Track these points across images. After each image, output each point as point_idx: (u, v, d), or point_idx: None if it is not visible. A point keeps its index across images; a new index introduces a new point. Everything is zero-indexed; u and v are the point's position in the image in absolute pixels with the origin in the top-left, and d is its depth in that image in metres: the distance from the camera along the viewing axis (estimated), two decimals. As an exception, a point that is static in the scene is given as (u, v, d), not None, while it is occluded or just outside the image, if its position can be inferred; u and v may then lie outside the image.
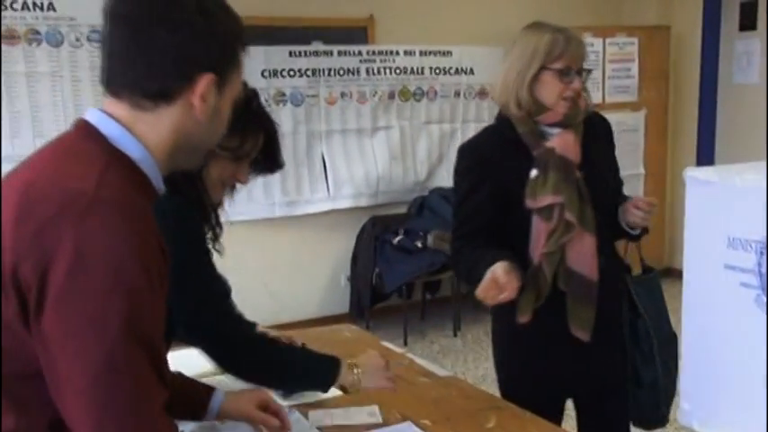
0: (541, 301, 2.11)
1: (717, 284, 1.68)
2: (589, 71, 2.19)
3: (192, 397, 1.73)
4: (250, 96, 1.84)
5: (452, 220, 2.27)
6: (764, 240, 1.57)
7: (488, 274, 1.94)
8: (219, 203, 1.89)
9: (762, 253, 1.57)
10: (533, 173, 2.12)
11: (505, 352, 2.35)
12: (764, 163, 1.84)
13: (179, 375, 1.68)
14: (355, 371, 1.85)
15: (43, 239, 1.12)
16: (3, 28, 4.51)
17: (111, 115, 1.25)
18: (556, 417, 2.31)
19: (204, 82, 1.24)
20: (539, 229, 2.12)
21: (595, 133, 2.25)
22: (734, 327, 1.67)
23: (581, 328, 2.14)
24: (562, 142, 2.15)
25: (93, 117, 1.26)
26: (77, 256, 1.11)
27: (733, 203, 1.67)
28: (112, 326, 1.12)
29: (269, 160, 1.90)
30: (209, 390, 1.75)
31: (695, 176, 1.73)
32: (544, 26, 2.17)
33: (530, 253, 2.12)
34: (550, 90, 2.12)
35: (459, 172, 2.25)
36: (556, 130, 2.16)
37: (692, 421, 1.88)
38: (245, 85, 1.84)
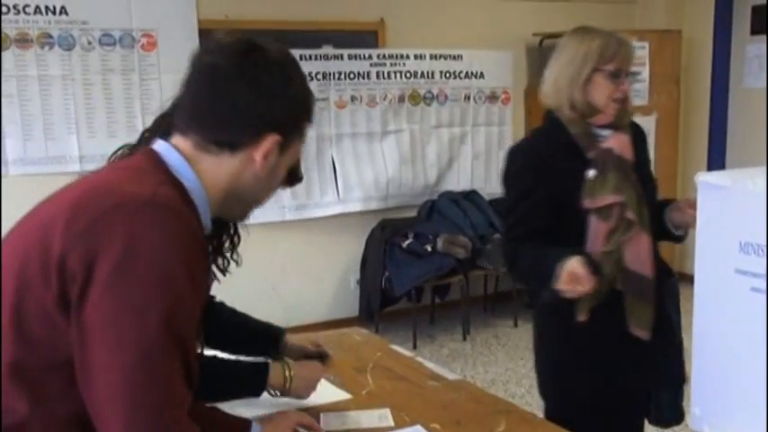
0: (600, 300, 2.13)
1: (728, 289, 1.67)
2: (636, 74, 2.25)
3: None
4: None
5: (503, 220, 2.33)
6: (776, 245, 1.56)
7: (566, 269, 1.97)
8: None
9: (773, 258, 1.57)
10: (591, 173, 2.16)
11: (557, 352, 2.36)
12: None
13: (212, 409, 1.64)
14: (287, 373, 1.88)
15: (95, 232, 1.16)
16: (15, 32, 4.54)
17: (175, 147, 1.32)
18: (612, 416, 2.34)
19: (270, 141, 1.32)
20: (597, 229, 2.16)
21: (636, 136, 2.30)
22: (745, 331, 1.66)
23: (640, 327, 2.18)
24: (619, 143, 2.20)
25: (159, 146, 1.33)
26: (127, 250, 1.15)
27: (745, 208, 1.66)
28: (152, 320, 1.16)
29: (290, 174, 1.93)
30: (244, 424, 1.68)
31: (707, 181, 1.72)
32: (593, 30, 2.22)
33: (586, 253, 2.13)
34: (601, 92, 2.17)
35: (511, 174, 2.27)
36: (606, 132, 2.21)
37: (702, 426, 1.86)
38: None
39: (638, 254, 2.17)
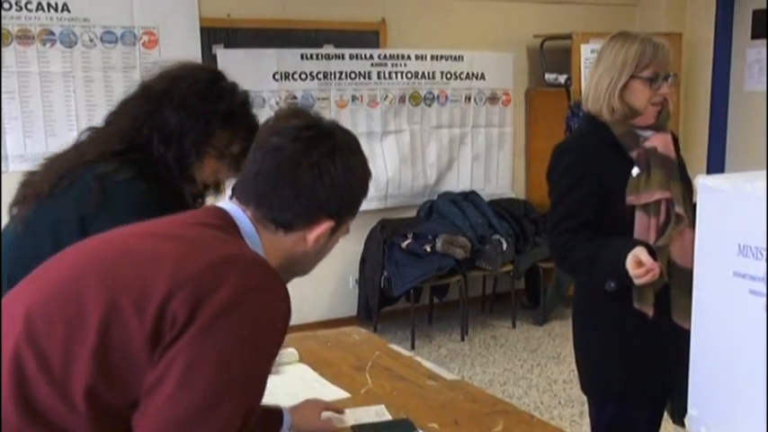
0: (656, 291, 2.23)
1: (726, 292, 1.68)
2: (674, 75, 2.34)
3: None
4: (244, 99, 1.87)
5: (550, 215, 2.36)
6: (775, 248, 1.57)
7: (635, 255, 2.09)
8: (198, 198, 1.93)
9: (772, 261, 1.57)
10: (635, 171, 2.26)
11: (602, 347, 2.41)
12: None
13: None
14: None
15: (205, 279, 1.20)
16: (16, 28, 4.54)
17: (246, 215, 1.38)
18: (658, 411, 2.44)
19: (324, 227, 1.38)
20: (645, 225, 2.25)
21: (672, 137, 2.42)
22: (743, 334, 1.66)
23: (686, 318, 2.20)
24: (663, 142, 2.32)
25: (233, 210, 1.38)
26: (235, 301, 1.20)
27: (744, 211, 1.67)
28: (235, 372, 1.20)
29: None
30: (276, 412, 1.78)
31: (707, 184, 1.72)
32: (631, 36, 2.32)
33: (645, 243, 2.22)
34: (640, 97, 2.28)
35: (557, 169, 2.36)
36: (648, 133, 2.31)
37: (700, 428, 1.87)
38: (236, 86, 1.89)
39: (684, 248, 2.24)
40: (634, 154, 2.28)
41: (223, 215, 1.38)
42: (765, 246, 1.58)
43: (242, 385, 1.22)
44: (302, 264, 1.45)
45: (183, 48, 4.94)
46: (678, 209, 2.24)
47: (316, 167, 1.35)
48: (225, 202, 1.41)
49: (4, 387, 1.17)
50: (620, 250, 2.12)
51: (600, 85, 2.30)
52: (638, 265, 2.08)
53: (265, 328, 1.24)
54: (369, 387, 2.15)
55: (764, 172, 1.84)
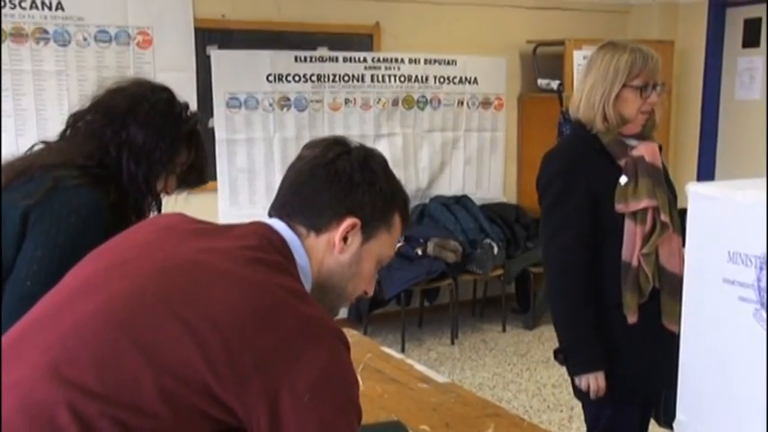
0: (644, 299, 2.30)
1: (716, 298, 1.70)
2: (662, 85, 2.37)
3: None
4: (183, 112, 1.91)
5: (544, 226, 2.39)
6: (764, 255, 1.59)
7: (592, 381, 2.31)
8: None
9: (761, 268, 1.59)
10: (623, 179, 2.29)
11: (609, 354, 2.42)
12: (765, 179, 1.86)
13: None
14: None
15: (284, 354, 1.21)
16: (10, 26, 4.54)
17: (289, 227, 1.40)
18: (647, 414, 2.49)
19: (347, 223, 1.38)
20: (633, 232, 2.29)
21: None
22: (732, 340, 1.68)
23: (676, 322, 2.24)
24: (650, 151, 2.34)
25: (279, 226, 1.39)
26: (322, 372, 1.22)
27: (734, 218, 1.69)
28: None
29: (195, 175, 1.97)
30: None
31: (697, 191, 1.75)
32: (621, 45, 2.36)
33: (623, 255, 2.29)
34: (630, 106, 2.31)
35: (548, 177, 2.38)
36: (634, 141, 2.34)
37: (688, 433, 1.89)
38: (188, 104, 1.92)
39: (671, 254, 2.30)
40: (622, 162, 2.31)
41: (277, 241, 1.37)
42: (754, 253, 1.59)
43: None
44: (339, 278, 1.44)
45: (176, 48, 4.95)
46: (664, 217, 2.28)
47: (333, 167, 1.39)
48: (273, 220, 1.42)
49: None
50: (589, 361, 2.32)
51: (593, 94, 2.32)
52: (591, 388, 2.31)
53: (352, 390, 1.29)
54: (360, 389, 2.15)
55: (755, 180, 1.86)
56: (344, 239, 1.39)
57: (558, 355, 2.45)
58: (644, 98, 2.31)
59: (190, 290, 1.23)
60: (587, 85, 2.35)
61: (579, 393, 2.52)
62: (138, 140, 1.82)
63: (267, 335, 1.20)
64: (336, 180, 1.39)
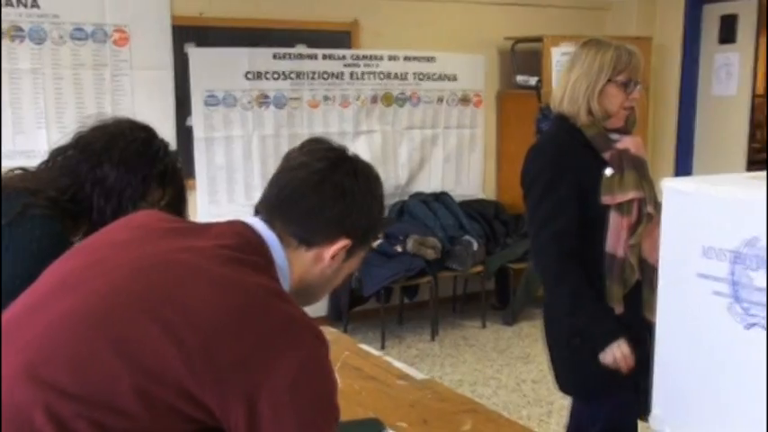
0: (627, 290, 2.34)
1: (690, 293, 1.71)
2: (642, 83, 2.43)
3: None
4: (176, 158, 1.92)
5: (531, 219, 2.40)
6: (738, 250, 1.60)
7: (617, 350, 2.30)
8: None
9: (735, 262, 1.60)
10: (608, 171, 2.33)
11: (577, 346, 2.43)
12: (737, 175, 1.88)
13: None
14: None
15: (263, 353, 1.20)
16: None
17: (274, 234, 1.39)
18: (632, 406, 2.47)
19: (341, 244, 1.41)
20: (619, 224, 2.32)
21: None
22: (706, 334, 1.69)
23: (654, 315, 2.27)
24: (635, 144, 2.40)
25: (261, 228, 1.39)
26: (301, 372, 1.21)
27: (708, 213, 1.70)
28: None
29: (173, 213, 1.97)
30: None
31: (672, 187, 1.76)
32: (605, 42, 2.41)
33: (606, 246, 2.32)
34: (614, 101, 2.37)
35: (535, 168, 2.41)
36: (616, 136, 2.39)
37: (663, 427, 1.90)
38: (168, 145, 1.93)
39: (655, 246, 2.30)
40: (607, 155, 2.35)
41: (255, 241, 1.37)
42: (728, 248, 1.61)
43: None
44: (317, 286, 1.47)
45: (154, 46, 4.92)
46: (650, 208, 2.32)
47: (339, 185, 1.40)
48: (253, 219, 1.41)
49: None
50: (613, 329, 2.30)
51: (577, 89, 2.37)
52: (617, 359, 2.30)
53: (333, 390, 1.29)
54: (339, 387, 2.15)
55: (730, 175, 1.88)
56: (333, 257, 1.42)
57: (572, 339, 2.41)
58: (627, 94, 2.36)
59: (167, 289, 1.22)
60: (571, 80, 2.39)
61: (564, 387, 2.52)
62: (110, 178, 1.85)
63: (246, 334, 1.19)
64: (341, 200, 1.40)
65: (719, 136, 6.39)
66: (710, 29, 6.40)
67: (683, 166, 6.52)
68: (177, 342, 1.17)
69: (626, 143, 2.38)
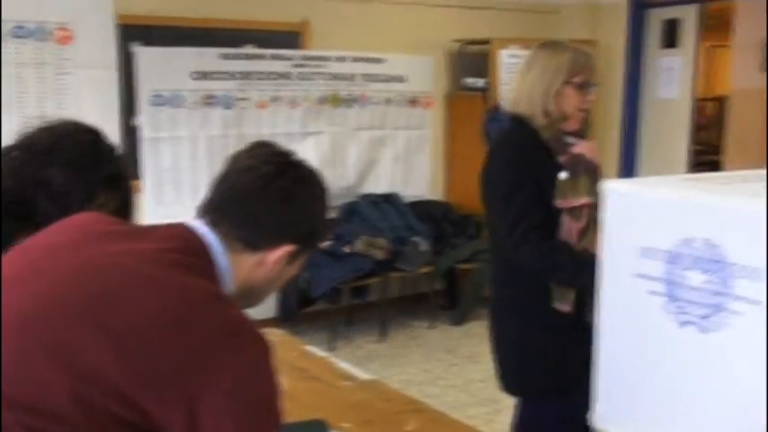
0: (577, 291, 2.33)
1: (628, 292, 1.74)
2: (597, 84, 2.45)
3: None
4: (125, 161, 1.90)
5: (501, 216, 2.36)
6: (673, 250, 1.64)
7: None
8: None
9: (670, 262, 1.64)
10: (562, 175, 2.32)
11: (524, 346, 2.45)
12: (677, 176, 1.92)
13: None
14: None
15: (203, 358, 1.19)
16: None
17: (217, 237, 1.37)
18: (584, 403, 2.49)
19: (284, 250, 1.40)
20: (570, 228, 2.32)
21: None
22: (643, 333, 1.73)
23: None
24: (590, 149, 2.41)
25: (205, 232, 1.37)
26: (242, 377, 1.21)
27: (646, 214, 1.73)
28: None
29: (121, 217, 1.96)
30: None
31: (612, 188, 1.79)
32: (561, 44, 2.43)
33: None
34: (570, 102, 2.37)
35: (497, 168, 2.40)
36: (571, 139, 2.39)
37: (606, 424, 1.93)
38: (116, 148, 1.91)
39: (599, 251, 2.31)
40: (562, 159, 2.36)
41: (196, 244, 1.35)
42: (663, 248, 1.64)
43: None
44: (259, 290, 1.46)
45: (98, 45, 4.83)
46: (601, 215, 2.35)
47: (285, 190, 1.39)
48: (196, 221, 1.39)
49: None
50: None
51: (534, 90, 2.37)
52: None
53: (275, 389, 1.28)
54: (283, 388, 2.15)
55: (669, 177, 1.92)
56: (276, 261, 1.41)
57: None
58: (583, 96, 2.38)
59: (105, 294, 1.21)
60: (528, 82, 2.40)
61: (509, 387, 2.54)
62: (56, 180, 1.81)
63: (185, 339, 1.18)
64: (286, 205, 1.39)
65: (663, 138, 6.52)
66: (654, 33, 6.53)
67: (628, 168, 6.64)
68: (116, 348, 1.15)
69: (581, 147, 2.39)
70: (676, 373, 1.67)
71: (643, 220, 1.72)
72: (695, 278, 1.60)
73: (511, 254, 2.40)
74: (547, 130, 2.38)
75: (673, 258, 1.62)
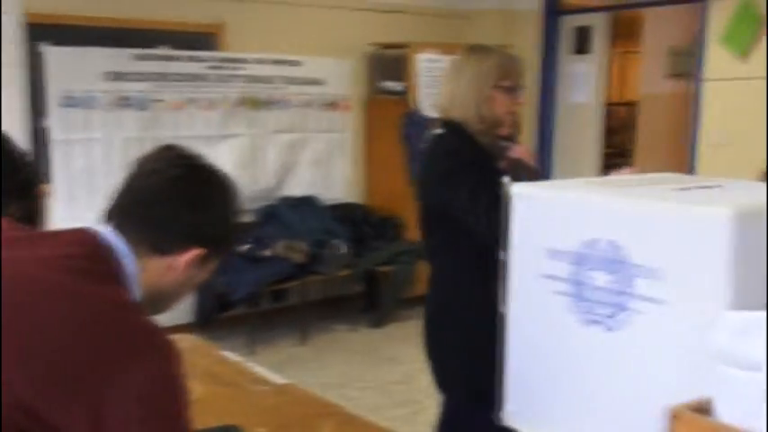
0: None
1: (535, 293, 1.79)
2: (524, 87, 2.45)
3: None
4: (18, 161, 1.85)
5: (450, 202, 2.31)
6: (578, 251, 1.69)
7: None
8: None
9: (575, 263, 1.69)
10: (505, 180, 2.27)
11: (459, 347, 2.44)
12: (584, 179, 1.98)
13: None
14: None
15: (108, 368, 1.18)
16: None
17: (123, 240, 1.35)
18: None
19: (193, 254, 1.38)
20: None
21: None
22: (551, 332, 1.78)
23: None
24: (526, 153, 2.43)
25: (110, 237, 1.34)
26: (149, 386, 1.20)
27: (552, 217, 1.78)
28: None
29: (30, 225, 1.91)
30: None
31: (519, 192, 1.83)
32: (487, 48, 2.44)
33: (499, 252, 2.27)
34: (500, 106, 2.37)
35: (440, 166, 2.36)
36: (505, 143, 2.41)
37: (516, 422, 1.97)
38: (26, 153, 1.86)
39: None
40: (502, 164, 2.37)
41: (103, 249, 1.32)
42: (568, 249, 1.69)
43: None
44: (169, 294, 1.44)
45: (4, 44, 4.68)
46: None
47: (192, 194, 1.38)
48: (102, 226, 1.37)
49: None
50: None
51: (466, 95, 2.37)
52: None
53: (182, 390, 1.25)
54: (197, 395, 2.12)
55: (576, 180, 1.97)
56: (186, 265, 1.40)
57: None
58: (512, 99, 2.38)
59: (9, 305, 1.18)
60: (459, 87, 2.39)
61: (442, 386, 2.53)
62: None
63: (90, 349, 1.17)
64: (194, 209, 1.38)
65: (576, 142, 6.69)
66: (566, 39, 6.69)
67: (543, 171, 6.78)
68: (21, 359, 1.13)
69: (518, 152, 2.41)
70: (583, 370, 1.73)
71: (549, 223, 1.76)
72: (600, 278, 1.65)
73: (482, 228, 2.27)
74: (484, 137, 2.38)
75: (578, 259, 1.67)
